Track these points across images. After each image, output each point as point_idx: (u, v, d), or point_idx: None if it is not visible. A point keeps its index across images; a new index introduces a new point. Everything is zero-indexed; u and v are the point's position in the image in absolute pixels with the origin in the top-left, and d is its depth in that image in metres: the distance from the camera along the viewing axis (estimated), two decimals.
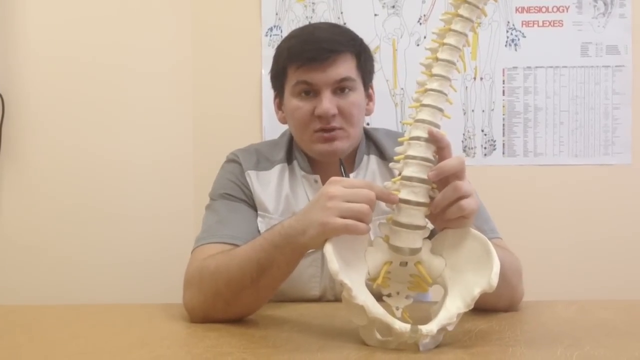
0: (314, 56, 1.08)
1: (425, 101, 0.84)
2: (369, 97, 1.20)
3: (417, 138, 0.83)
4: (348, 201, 0.81)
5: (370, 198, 0.81)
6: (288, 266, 0.90)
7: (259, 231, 1.12)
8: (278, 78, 1.17)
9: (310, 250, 1.12)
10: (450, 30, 0.84)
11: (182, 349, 0.85)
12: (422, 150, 0.83)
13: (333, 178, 0.85)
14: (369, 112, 1.20)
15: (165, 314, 1.01)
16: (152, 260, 1.73)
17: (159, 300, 1.12)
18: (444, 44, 0.85)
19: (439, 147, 0.83)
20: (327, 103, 1.08)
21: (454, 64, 0.84)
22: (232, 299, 0.93)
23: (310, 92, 1.10)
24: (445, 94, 0.84)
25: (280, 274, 0.91)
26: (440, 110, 0.84)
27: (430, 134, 0.82)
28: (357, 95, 1.12)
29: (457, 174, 0.81)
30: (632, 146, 1.80)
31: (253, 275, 0.90)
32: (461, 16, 0.84)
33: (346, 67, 1.10)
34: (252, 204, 1.16)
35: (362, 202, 0.81)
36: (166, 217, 1.77)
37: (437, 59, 0.85)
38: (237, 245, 1.01)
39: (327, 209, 0.81)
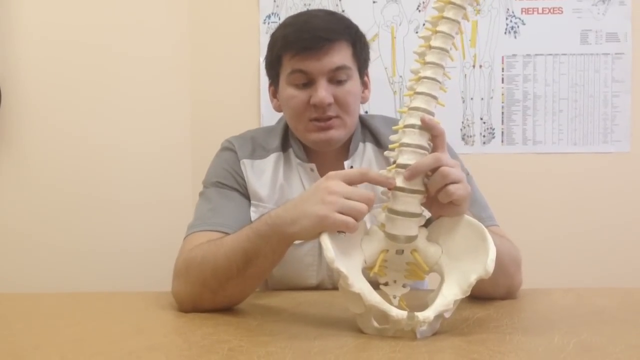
0: (310, 45, 1.07)
1: (419, 89, 0.84)
2: (365, 85, 1.19)
3: (412, 126, 0.83)
4: (348, 198, 0.81)
5: (369, 198, 0.82)
6: (274, 255, 0.90)
7: (251, 220, 1.12)
8: (273, 66, 1.15)
9: (298, 242, 1.13)
10: (443, 17, 0.84)
11: (179, 336, 0.85)
12: (417, 137, 0.83)
13: (331, 173, 0.85)
14: (364, 100, 1.19)
15: (162, 302, 1.01)
16: (149, 248, 1.73)
17: (156, 288, 1.12)
18: (436, 32, 0.84)
19: (433, 135, 0.84)
20: (323, 92, 1.07)
21: (447, 51, 0.84)
22: (218, 289, 0.93)
23: (306, 81, 1.09)
24: (439, 82, 0.84)
25: (266, 263, 0.91)
26: (435, 97, 0.84)
27: (423, 121, 0.83)
28: (353, 84, 1.11)
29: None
30: (631, 134, 1.79)
31: (239, 264, 0.90)
32: (453, 3, 0.84)
33: (342, 56, 1.09)
34: (245, 193, 1.15)
35: (362, 202, 0.81)
36: (164, 205, 1.77)
37: (430, 47, 0.84)
38: (227, 234, 1.01)
39: (327, 203, 0.81)
